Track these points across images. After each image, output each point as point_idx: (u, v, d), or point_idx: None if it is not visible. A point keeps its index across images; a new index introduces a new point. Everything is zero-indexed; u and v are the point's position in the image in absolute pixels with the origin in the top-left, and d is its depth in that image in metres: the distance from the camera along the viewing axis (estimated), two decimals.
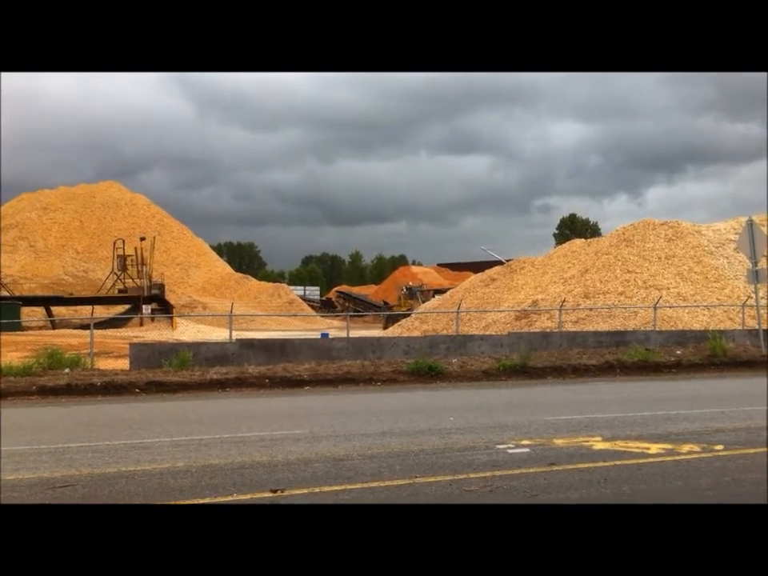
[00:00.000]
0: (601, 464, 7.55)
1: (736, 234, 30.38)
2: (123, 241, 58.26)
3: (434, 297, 55.12)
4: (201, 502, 6.24)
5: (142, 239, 58.33)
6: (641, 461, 7.70)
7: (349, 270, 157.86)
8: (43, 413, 13.20)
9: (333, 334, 33.71)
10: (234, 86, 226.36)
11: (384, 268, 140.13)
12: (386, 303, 75.03)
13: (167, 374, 16.81)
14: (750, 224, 20.98)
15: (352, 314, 48.96)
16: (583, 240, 43.91)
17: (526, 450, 8.39)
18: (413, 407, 13.11)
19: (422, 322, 37.92)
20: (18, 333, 37.68)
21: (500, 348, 21.08)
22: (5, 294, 53.83)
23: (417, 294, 63.26)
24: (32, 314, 51.93)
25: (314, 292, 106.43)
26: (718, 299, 30.18)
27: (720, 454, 8.03)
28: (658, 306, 25.62)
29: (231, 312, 23.63)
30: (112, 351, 26.78)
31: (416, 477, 7.04)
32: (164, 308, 55.23)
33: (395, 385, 16.69)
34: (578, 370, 18.33)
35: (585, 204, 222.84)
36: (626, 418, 10.74)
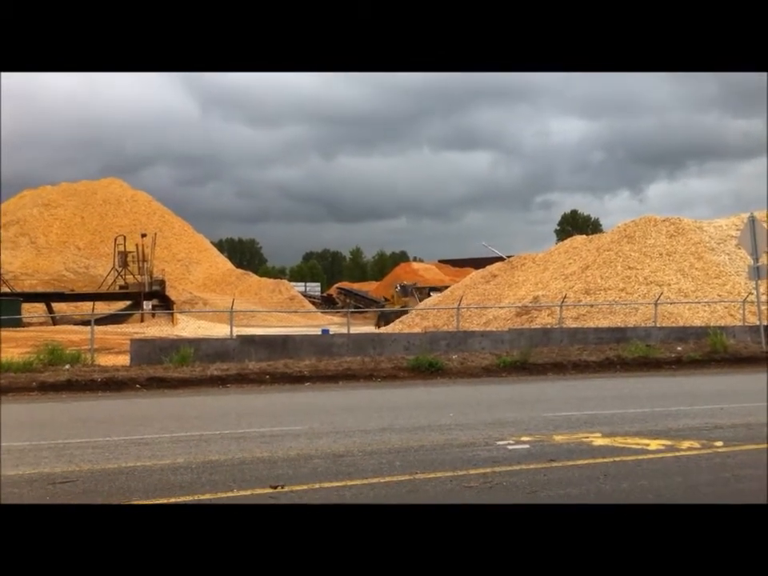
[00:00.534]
0: (600, 460, 7.56)
1: (737, 230, 30.33)
2: (124, 237, 58.23)
3: (429, 295, 55.07)
4: (201, 498, 6.25)
5: (143, 236, 58.30)
6: (640, 457, 7.71)
7: (350, 266, 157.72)
8: (43, 409, 13.22)
9: (333, 330, 33.74)
10: (237, 83, 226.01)
11: (385, 264, 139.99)
12: (386, 300, 75.04)
13: (168, 370, 16.83)
14: (752, 220, 20.97)
15: (353, 310, 48.95)
16: (584, 236, 43.84)
17: (526, 446, 8.40)
18: (413, 403, 13.14)
19: (423, 319, 37.90)
20: (18, 329, 37.72)
21: (500, 344, 21.10)
22: (6, 290, 53.88)
23: (411, 291, 63.15)
24: (33, 310, 51.93)
25: (314, 288, 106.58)
26: (719, 295, 30.17)
27: (720, 450, 8.04)
28: (658, 302, 25.62)
29: (232, 308, 23.67)
30: (113, 347, 26.77)
31: (416, 473, 7.05)
32: (165, 304, 55.32)
33: (395, 381, 16.71)
34: (579, 367, 18.35)
35: (586, 200, 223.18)
36: (625, 415, 10.75)
